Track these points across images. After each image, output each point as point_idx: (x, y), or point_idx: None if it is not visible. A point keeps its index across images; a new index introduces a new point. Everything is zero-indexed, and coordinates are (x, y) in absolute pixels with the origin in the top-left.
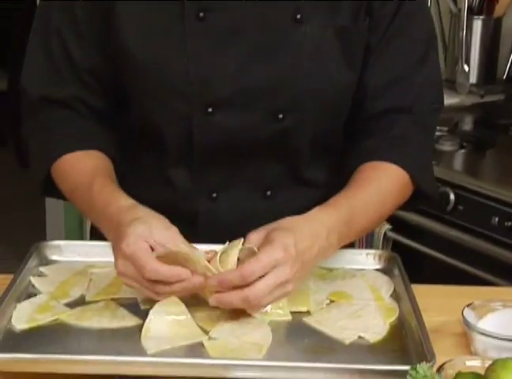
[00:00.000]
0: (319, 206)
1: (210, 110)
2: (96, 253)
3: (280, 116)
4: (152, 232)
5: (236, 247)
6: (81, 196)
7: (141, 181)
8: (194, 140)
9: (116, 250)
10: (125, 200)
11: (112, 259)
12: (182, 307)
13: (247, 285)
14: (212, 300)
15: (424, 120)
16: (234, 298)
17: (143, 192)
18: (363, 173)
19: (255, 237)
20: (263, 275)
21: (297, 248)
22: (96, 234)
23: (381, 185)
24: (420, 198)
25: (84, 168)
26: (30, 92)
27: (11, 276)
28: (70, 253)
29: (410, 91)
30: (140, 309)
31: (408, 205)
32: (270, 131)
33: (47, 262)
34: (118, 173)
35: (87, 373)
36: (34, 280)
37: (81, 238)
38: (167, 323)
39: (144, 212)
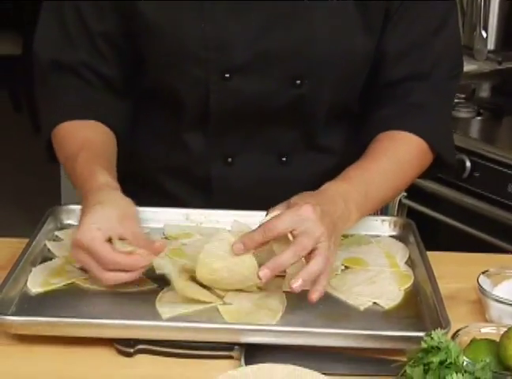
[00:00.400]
0: (332, 180)
1: (227, 75)
2: None
3: (298, 82)
4: (106, 221)
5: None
6: (69, 167)
7: (155, 145)
8: (211, 106)
9: (73, 236)
10: (96, 180)
11: None
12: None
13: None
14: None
15: (443, 86)
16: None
17: (158, 156)
18: (380, 143)
19: (276, 210)
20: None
21: (321, 206)
22: None
23: (398, 155)
24: (439, 166)
25: (76, 139)
26: (41, 56)
27: (26, 241)
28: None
29: (429, 57)
30: (154, 274)
31: (426, 173)
32: (287, 97)
33: (63, 226)
34: (129, 140)
35: (102, 337)
36: (49, 244)
37: None
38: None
39: (108, 195)
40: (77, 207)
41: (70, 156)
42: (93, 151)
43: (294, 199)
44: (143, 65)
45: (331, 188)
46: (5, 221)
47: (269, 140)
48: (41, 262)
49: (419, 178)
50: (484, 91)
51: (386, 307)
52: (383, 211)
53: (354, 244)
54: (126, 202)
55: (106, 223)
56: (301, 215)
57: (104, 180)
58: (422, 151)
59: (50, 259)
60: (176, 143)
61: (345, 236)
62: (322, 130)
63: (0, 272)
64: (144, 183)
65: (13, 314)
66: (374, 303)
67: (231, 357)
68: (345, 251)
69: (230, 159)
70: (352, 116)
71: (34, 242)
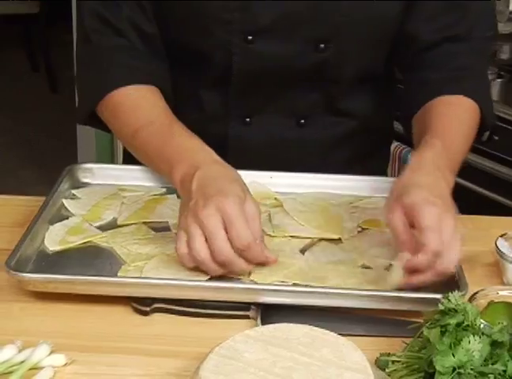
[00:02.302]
0: (416, 151)
1: (250, 37)
2: (128, 177)
3: (322, 46)
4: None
5: None
6: (155, 132)
7: (173, 100)
8: (233, 68)
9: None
10: (208, 152)
11: (144, 183)
12: None
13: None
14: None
15: (481, 47)
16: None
17: (174, 111)
18: (439, 109)
19: (397, 219)
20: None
21: (433, 193)
22: (129, 160)
23: (462, 118)
24: (481, 129)
25: (158, 104)
26: (86, 20)
27: (43, 199)
28: (102, 176)
29: (466, 19)
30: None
31: None
32: (310, 61)
33: (80, 185)
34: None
35: (119, 295)
36: (66, 203)
37: (112, 163)
38: None
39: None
40: (94, 165)
41: (155, 121)
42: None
43: (409, 201)
44: (164, 23)
45: (424, 161)
46: (22, 181)
47: (288, 102)
48: (58, 220)
49: None
50: (505, 53)
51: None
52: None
53: (370, 206)
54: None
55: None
56: (443, 232)
57: (215, 157)
58: (477, 114)
59: (67, 217)
60: (194, 98)
61: (362, 198)
62: (344, 94)
63: (18, 230)
64: None
65: (30, 272)
66: (391, 265)
67: (247, 317)
68: (362, 213)
69: (248, 119)
70: (375, 81)
71: (51, 201)
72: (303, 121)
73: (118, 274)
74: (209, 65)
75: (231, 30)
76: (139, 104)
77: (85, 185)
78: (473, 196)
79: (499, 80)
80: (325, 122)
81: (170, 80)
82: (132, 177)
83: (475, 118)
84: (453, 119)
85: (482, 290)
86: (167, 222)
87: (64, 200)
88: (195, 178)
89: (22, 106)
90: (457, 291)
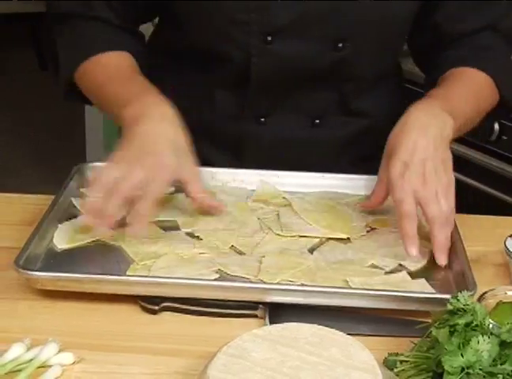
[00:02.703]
0: (415, 103)
1: (269, 38)
2: None
3: (340, 45)
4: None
5: None
6: (106, 90)
7: (185, 100)
8: (252, 69)
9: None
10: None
11: None
12: None
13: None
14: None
15: (509, 34)
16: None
17: (188, 111)
18: (451, 76)
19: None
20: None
21: (416, 150)
22: None
23: (474, 83)
24: (500, 109)
25: (121, 63)
26: (54, 10)
27: (52, 198)
28: None
29: (496, 11)
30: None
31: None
32: (328, 60)
33: (88, 183)
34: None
35: (127, 294)
36: (75, 201)
37: None
38: None
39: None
40: (103, 164)
41: (106, 79)
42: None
43: (390, 173)
44: (182, 25)
45: (414, 115)
46: (31, 180)
47: (304, 102)
48: (67, 219)
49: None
50: None
51: (412, 269)
52: None
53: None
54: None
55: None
56: (407, 189)
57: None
58: (492, 88)
59: (76, 216)
60: (208, 98)
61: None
62: (358, 94)
63: (26, 229)
64: None
65: (39, 270)
66: (400, 265)
67: (255, 316)
68: (370, 212)
69: (263, 119)
70: (387, 80)
71: (60, 199)
72: (317, 121)
73: (127, 272)
74: (227, 66)
75: (250, 31)
76: (108, 63)
77: None
78: (481, 195)
79: None
80: (339, 122)
81: (142, 50)
82: None
83: (488, 91)
84: (463, 81)
85: (491, 290)
86: (176, 221)
87: (73, 199)
88: (143, 122)
89: (30, 104)
90: (465, 291)
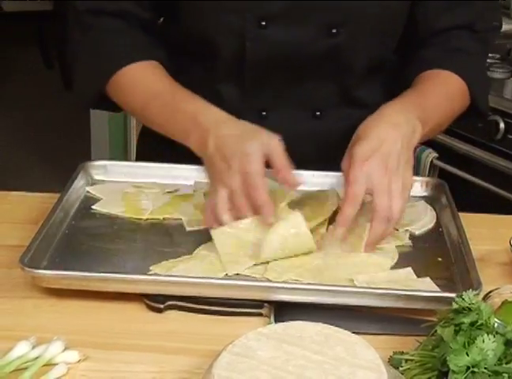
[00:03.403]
0: (387, 103)
1: (263, 23)
2: (141, 174)
3: (334, 31)
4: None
5: None
6: (160, 104)
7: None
8: (247, 55)
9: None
10: (216, 110)
11: (157, 180)
12: None
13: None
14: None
15: (484, 37)
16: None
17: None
18: (426, 78)
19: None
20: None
21: (376, 154)
22: (142, 156)
23: (448, 87)
24: (472, 114)
25: (161, 77)
26: (79, 6)
27: (57, 196)
28: (116, 173)
29: (471, 11)
30: (185, 230)
31: (459, 119)
32: (323, 46)
33: (93, 182)
34: None
35: (132, 292)
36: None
37: (126, 160)
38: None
39: (249, 126)
40: (108, 162)
41: (159, 95)
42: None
43: (354, 152)
44: (178, 12)
45: (389, 110)
46: (35, 178)
47: (304, 94)
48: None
49: (453, 123)
50: None
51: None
52: (414, 172)
53: None
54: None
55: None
56: (365, 171)
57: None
58: (464, 91)
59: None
60: (210, 94)
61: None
62: (358, 84)
63: (32, 227)
64: None
65: (44, 268)
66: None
67: (260, 314)
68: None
69: (264, 113)
70: (386, 70)
71: (65, 198)
72: (318, 113)
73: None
74: (224, 54)
75: (244, 16)
76: (142, 79)
77: (99, 182)
78: (486, 194)
79: None
80: (340, 114)
81: (166, 53)
82: (145, 174)
83: (460, 91)
84: (437, 86)
85: (496, 289)
86: (181, 219)
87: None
88: (209, 143)
89: (36, 103)
90: (471, 290)
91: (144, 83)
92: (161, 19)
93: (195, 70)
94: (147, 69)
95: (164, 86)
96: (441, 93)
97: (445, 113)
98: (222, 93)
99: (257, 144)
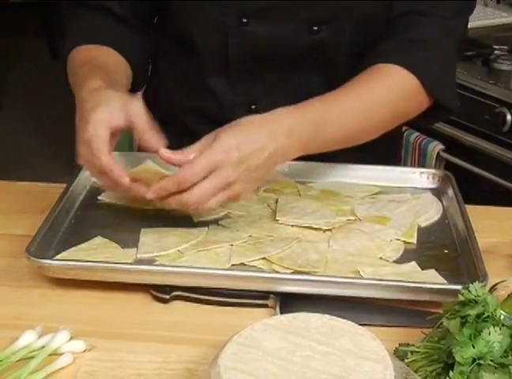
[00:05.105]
0: (285, 107)
1: (244, 20)
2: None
3: (315, 28)
4: (112, 116)
5: None
6: (72, 81)
7: (181, 89)
8: (230, 51)
9: (78, 136)
10: (93, 83)
11: (160, 169)
12: None
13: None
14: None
15: (447, 24)
16: (172, 202)
17: (187, 101)
18: (359, 77)
19: (204, 140)
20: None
21: (241, 150)
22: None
23: (372, 91)
24: (439, 110)
25: (85, 57)
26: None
27: (64, 186)
28: (122, 163)
29: None
30: (191, 221)
31: (425, 118)
32: (306, 42)
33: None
34: (145, 77)
35: (138, 283)
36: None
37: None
38: None
39: (107, 95)
40: (114, 153)
41: (76, 70)
42: (96, 66)
43: (218, 135)
44: (166, 12)
45: (278, 118)
46: (42, 168)
47: (291, 87)
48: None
49: (416, 123)
50: None
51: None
52: (420, 164)
53: (383, 201)
54: (126, 94)
55: (112, 118)
56: (216, 162)
57: (99, 84)
58: (410, 90)
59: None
60: (204, 88)
61: (380, 190)
62: (344, 75)
63: (39, 217)
64: (169, 121)
65: (51, 258)
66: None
67: (266, 305)
68: (372, 209)
69: (254, 106)
70: None
71: (72, 188)
72: None
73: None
74: (207, 50)
75: (226, 12)
76: (81, 55)
77: None
78: (493, 186)
79: None
80: None
81: (140, 50)
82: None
83: (398, 94)
84: (357, 90)
85: (502, 281)
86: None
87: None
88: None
89: (41, 93)
90: (477, 282)
91: (75, 60)
92: (155, 19)
93: (186, 66)
94: (88, 49)
95: (79, 64)
96: (358, 104)
97: (356, 126)
98: (213, 87)
99: (101, 111)
